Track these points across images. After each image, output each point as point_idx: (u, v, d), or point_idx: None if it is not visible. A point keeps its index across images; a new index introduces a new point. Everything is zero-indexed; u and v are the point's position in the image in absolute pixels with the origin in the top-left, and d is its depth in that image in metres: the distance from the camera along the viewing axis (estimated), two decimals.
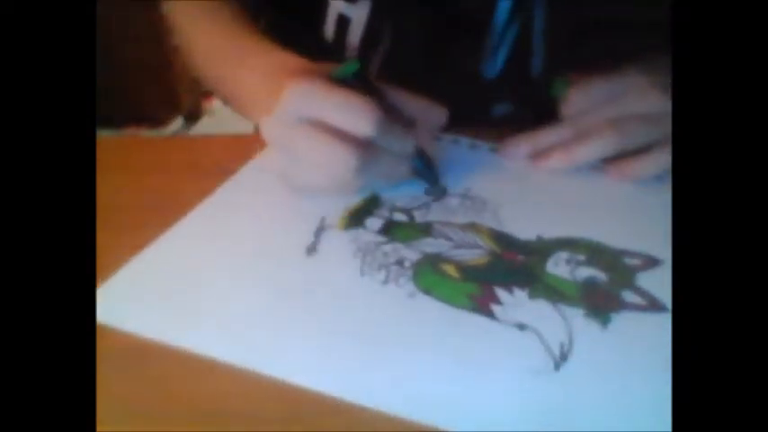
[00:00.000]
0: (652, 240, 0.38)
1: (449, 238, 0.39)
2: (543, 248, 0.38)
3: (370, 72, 0.54)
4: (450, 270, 0.37)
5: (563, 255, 0.38)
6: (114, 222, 0.38)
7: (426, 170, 0.43)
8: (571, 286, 0.36)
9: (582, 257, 0.38)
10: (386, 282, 0.36)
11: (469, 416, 0.28)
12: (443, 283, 0.36)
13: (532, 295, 0.35)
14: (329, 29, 0.56)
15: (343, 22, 0.55)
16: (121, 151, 0.50)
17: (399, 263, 0.37)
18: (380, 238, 0.39)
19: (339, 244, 0.38)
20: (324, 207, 0.41)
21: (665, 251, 0.38)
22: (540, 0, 0.50)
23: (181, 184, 0.44)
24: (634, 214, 0.42)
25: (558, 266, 0.37)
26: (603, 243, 0.39)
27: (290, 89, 0.38)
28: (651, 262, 0.37)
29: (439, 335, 0.32)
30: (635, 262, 0.37)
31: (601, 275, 0.36)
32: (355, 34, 0.54)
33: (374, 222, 0.40)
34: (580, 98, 0.47)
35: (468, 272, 0.36)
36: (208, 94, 1.91)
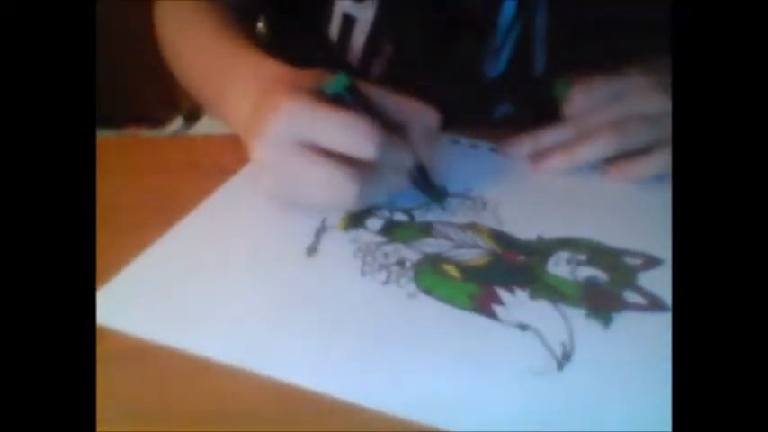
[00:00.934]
0: (653, 240, 0.38)
1: (449, 239, 0.39)
2: (544, 248, 0.38)
3: (370, 74, 0.54)
4: (451, 270, 0.36)
5: (564, 255, 0.38)
6: (114, 222, 0.38)
7: (425, 183, 0.41)
8: (572, 286, 0.36)
9: (583, 257, 0.38)
10: (386, 282, 0.36)
11: (470, 416, 0.28)
12: (444, 284, 0.36)
13: (533, 295, 0.35)
14: (334, 29, 0.55)
15: (348, 21, 0.54)
16: (121, 151, 0.50)
17: (400, 263, 0.37)
18: (381, 239, 0.39)
19: (340, 244, 0.38)
20: None
21: (665, 251, 0.38)
22: (541, 0, 0.50)
23: (181, 184, 0.44)
24: (635, 214, 0.42)
25: (559, 266, 0.37)
26: (604, 243, 0.39)
27: (278, 109, 0.36)
28: (652, 262, 0.37)
29: (440, 335, 0.32)
30: (636, 262, 0.37)
31: (602, 275, 0.36)
32: (360, 34, 0.54)
33: (374, 223, 0.40)
34: (581, 99, 0.47)
35: (469, 272, 0.36)
36: None
